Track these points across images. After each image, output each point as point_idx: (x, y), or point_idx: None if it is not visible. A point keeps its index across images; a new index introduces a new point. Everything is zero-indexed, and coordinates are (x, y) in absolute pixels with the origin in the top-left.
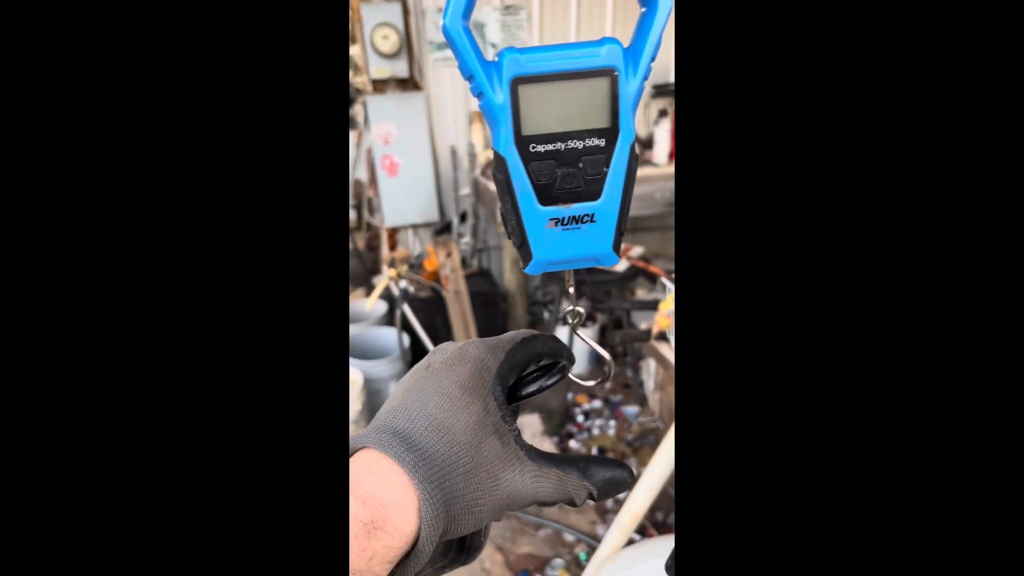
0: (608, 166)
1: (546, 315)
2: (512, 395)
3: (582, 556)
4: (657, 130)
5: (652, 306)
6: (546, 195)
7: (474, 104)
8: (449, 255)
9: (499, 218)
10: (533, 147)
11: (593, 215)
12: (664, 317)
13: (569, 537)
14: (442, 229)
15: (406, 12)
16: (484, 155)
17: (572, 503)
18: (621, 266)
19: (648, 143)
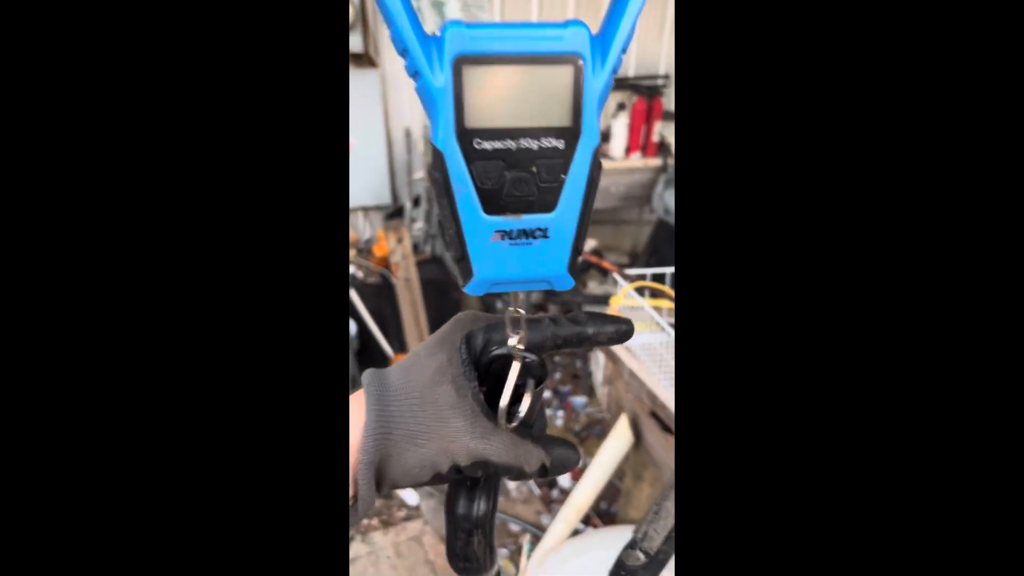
0: (567, 173)
1: (499, 305)
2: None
3: (528, 547)
4: (615, 123)
5: (604, 300)
6: (492, 202)
7: None
8: (400, 241)
9: None
10: (478, 143)
11: (547, 230)
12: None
13: (514, 527)
14: (394, 213)
15: None
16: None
17: (522, 472)
18: None
19: (606, 136)
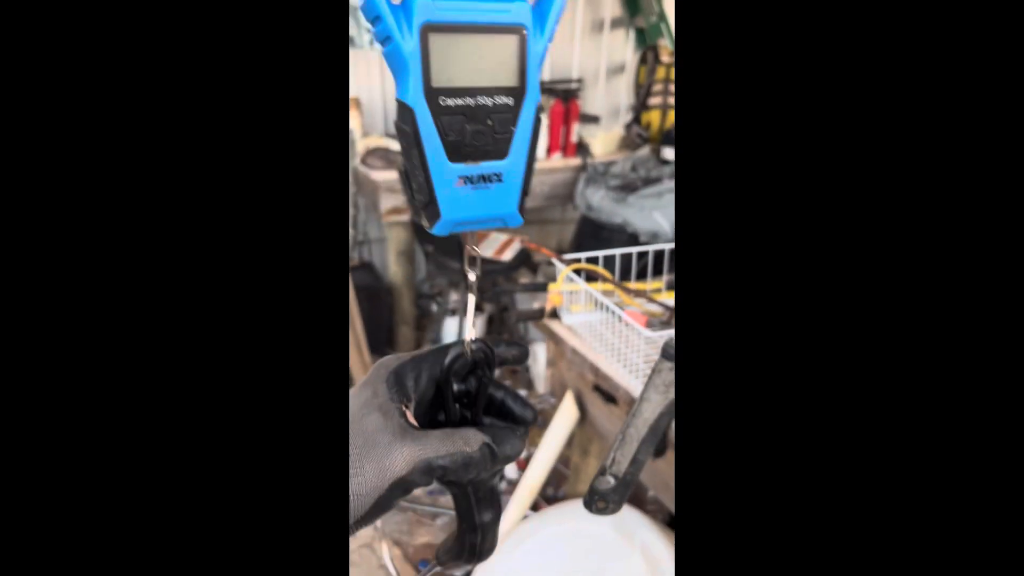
0: (515, 125)
1: (434, 308)
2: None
3: None
4: None
5: (542, 287)
6: (455, 152)
7: (353, 88)
8: None
9: (382, 208)
10: (443, 100)
11: (501, 175)
12: (556, 295)
13: None
14: None
15: None
16: (363, 143)
17: (469, 460)
18: (508, 255)
19: None
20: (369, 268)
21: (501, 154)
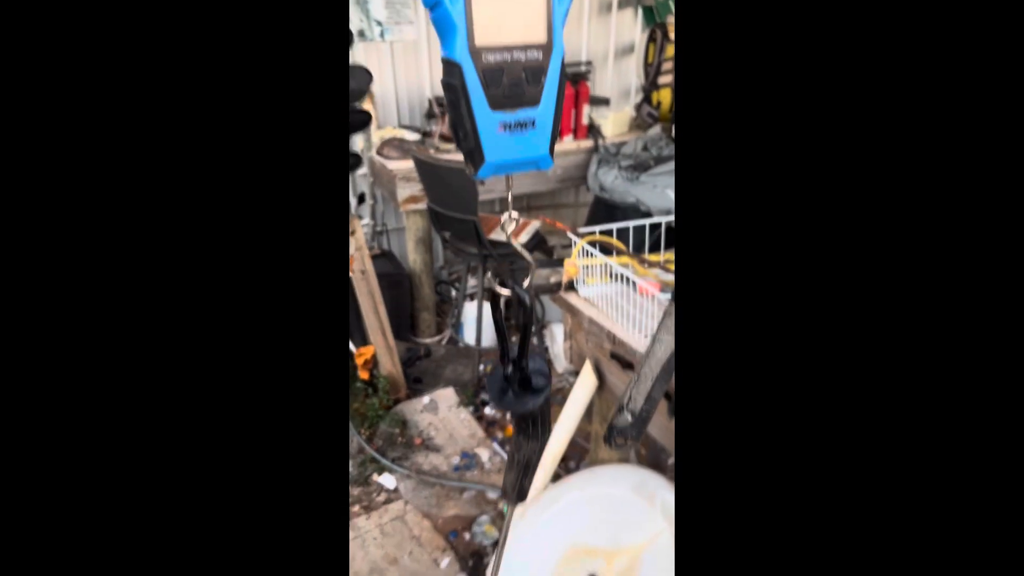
0: (545, 76)
1: (453, 293)
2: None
3: (504, 508)
4: None
5: (558, 263)
6: (496, 101)
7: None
8: (353, 233)
9: (399, 198)
10: (485, 56)
11: (534, 120)
12: (572, 267)
13: (492, 495)
14: None
15: None
16: (378, 135)
17: None
18: (523, 238)
19: None
20: (389, 256)
21: (534, 102)
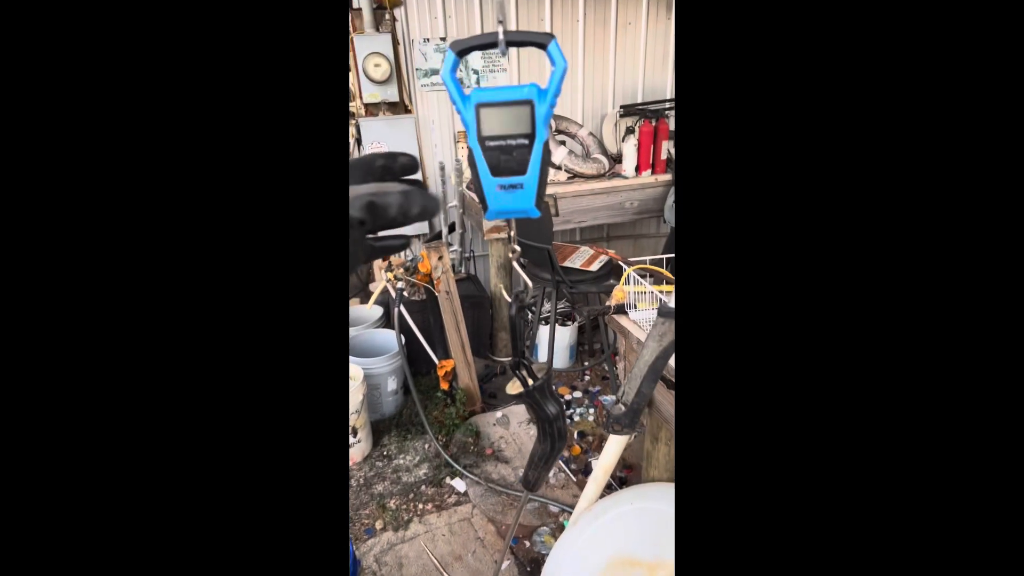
0: (530, 155)
1: (529, 315)
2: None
3: (565, 523)
4: (625, 146)
5: (609, 289)
6: (495, 170)
7: (458, 124)
8: (440, 258)
9: (484, 228)
10: (488, 143)
11: (522, 184)
12: (620, 292)
13: (554, 508)
14: (432, 238)
15: (395, 42)
16: (468, 171)
17: (389, 193)
18: (595, 266)
19: (618, 158)
20: (474, 280)
21: (523, 171)
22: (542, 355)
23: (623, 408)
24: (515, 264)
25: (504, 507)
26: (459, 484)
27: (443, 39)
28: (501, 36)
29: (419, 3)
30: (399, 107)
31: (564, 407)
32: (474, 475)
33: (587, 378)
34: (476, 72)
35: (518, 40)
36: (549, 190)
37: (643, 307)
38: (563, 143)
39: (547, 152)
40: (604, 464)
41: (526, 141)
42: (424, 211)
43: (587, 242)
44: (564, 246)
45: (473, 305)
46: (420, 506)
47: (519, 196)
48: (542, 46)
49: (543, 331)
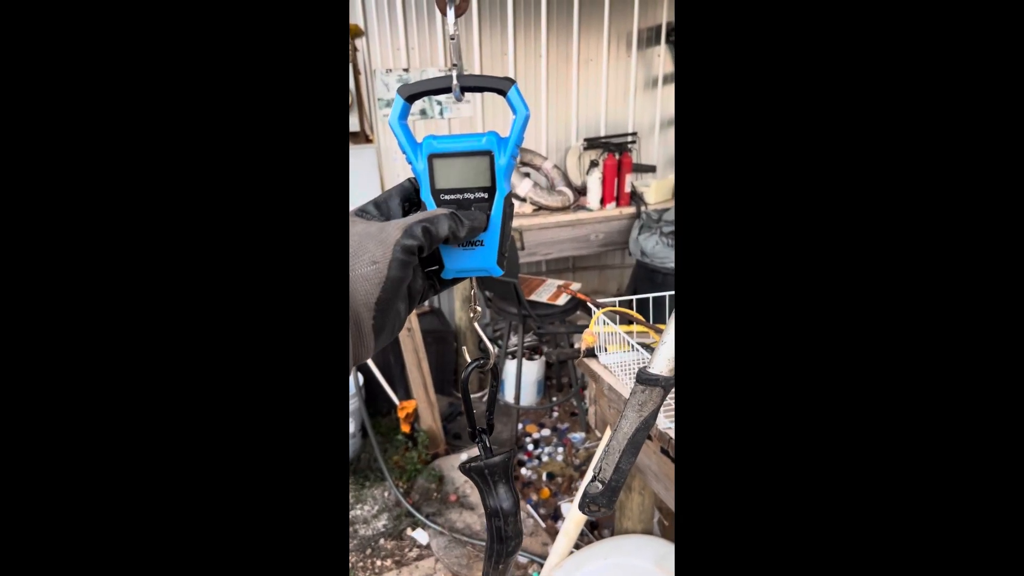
0: (491, 210)
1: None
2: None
3: (534, 575)
4: (589, 179)
5: (580, 329)
6: None
7: None
8: None
9: None
10: (443, 196)
11: (483, 241)
12: (589, 335)
13: (522, 559)
14: None
15: (356, 72)
16: None
17: (439, 219)
18: (561, 300)
19: (582, 191)
20: (438, 314)
21: (482, 228)
22: (508, 392)
23: (599, 487)
24: (475, 325)
25: (469, 559)
26: (421, 535)
27: (406, 70)
28: (455, 81)
29: (381, 34)
30: (360, 137)
31: (519, 503)
32: (437, 524)
33: (555, 414)
34: (440, 104)
35: (474, 85)
36: (515, 223)
37: (614, 349)
38: (528, 175)
39: (509, 206)
40: (575, 517)
41: (485, 195)
42: (472, 231)
43: (553, 273)
44: (530, 279)
45: (436, 339)
46: (379, 563)
47: (479, 254)
48: (501, 92)
49: (510, 366)
